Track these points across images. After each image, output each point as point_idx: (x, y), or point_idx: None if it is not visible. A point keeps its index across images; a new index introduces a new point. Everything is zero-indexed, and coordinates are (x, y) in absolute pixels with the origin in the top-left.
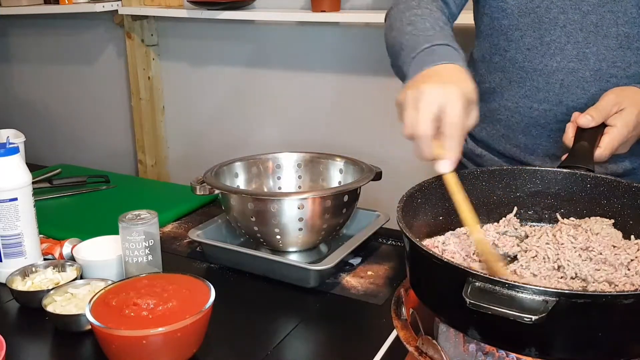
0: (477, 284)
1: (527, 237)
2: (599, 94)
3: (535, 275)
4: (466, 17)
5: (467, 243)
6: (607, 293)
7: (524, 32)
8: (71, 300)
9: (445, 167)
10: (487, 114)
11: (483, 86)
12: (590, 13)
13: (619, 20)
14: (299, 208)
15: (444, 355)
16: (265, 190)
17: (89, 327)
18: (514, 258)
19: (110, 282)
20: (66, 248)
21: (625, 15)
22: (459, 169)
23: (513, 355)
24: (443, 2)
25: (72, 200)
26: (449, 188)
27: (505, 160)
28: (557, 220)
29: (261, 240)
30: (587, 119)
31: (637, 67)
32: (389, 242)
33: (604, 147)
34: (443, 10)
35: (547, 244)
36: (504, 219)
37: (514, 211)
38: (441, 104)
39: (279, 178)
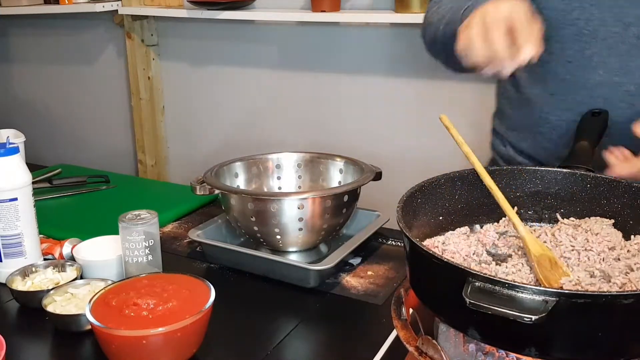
0: (477, 284)
1: None
2: None
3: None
4: None
5: (467, 243)
6: (607, 293)
7: (563, 44)
8: (71, 300)
9: (529, 50)
10: (527, 126)
11: (523, 96)
12: (632, 25)
13: None
14: (299, 208)
15: (444, 355)
16: (265, 190)
17: (89, 327)
18: (508, 256)
19: (110, 282)
20: (66, 248)
21: None
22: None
23: (513, 355)
24: None
25: (72, 200)
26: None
27: None
28: (557, 220)
29: (261, 240)
30: None
31: None
32: (389, 242)
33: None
34: None
35: (544, 242)
36: (504, 219)
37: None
38: (507, 14)
39: (279, 178)
